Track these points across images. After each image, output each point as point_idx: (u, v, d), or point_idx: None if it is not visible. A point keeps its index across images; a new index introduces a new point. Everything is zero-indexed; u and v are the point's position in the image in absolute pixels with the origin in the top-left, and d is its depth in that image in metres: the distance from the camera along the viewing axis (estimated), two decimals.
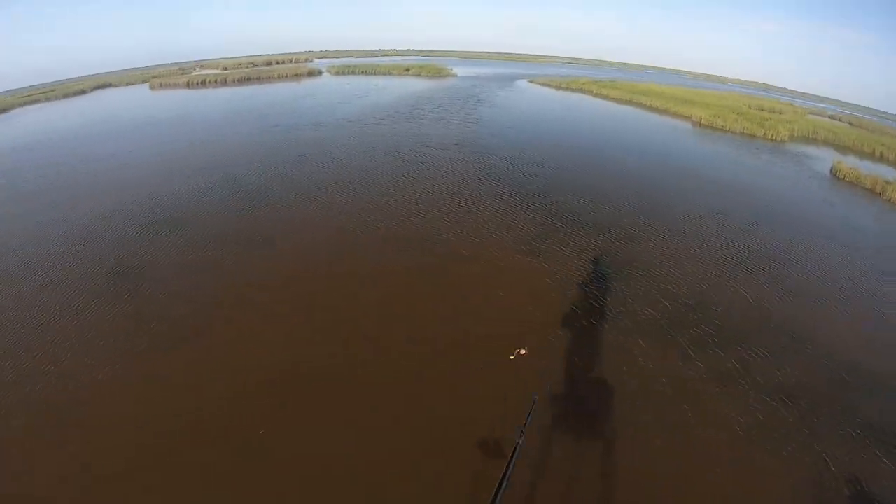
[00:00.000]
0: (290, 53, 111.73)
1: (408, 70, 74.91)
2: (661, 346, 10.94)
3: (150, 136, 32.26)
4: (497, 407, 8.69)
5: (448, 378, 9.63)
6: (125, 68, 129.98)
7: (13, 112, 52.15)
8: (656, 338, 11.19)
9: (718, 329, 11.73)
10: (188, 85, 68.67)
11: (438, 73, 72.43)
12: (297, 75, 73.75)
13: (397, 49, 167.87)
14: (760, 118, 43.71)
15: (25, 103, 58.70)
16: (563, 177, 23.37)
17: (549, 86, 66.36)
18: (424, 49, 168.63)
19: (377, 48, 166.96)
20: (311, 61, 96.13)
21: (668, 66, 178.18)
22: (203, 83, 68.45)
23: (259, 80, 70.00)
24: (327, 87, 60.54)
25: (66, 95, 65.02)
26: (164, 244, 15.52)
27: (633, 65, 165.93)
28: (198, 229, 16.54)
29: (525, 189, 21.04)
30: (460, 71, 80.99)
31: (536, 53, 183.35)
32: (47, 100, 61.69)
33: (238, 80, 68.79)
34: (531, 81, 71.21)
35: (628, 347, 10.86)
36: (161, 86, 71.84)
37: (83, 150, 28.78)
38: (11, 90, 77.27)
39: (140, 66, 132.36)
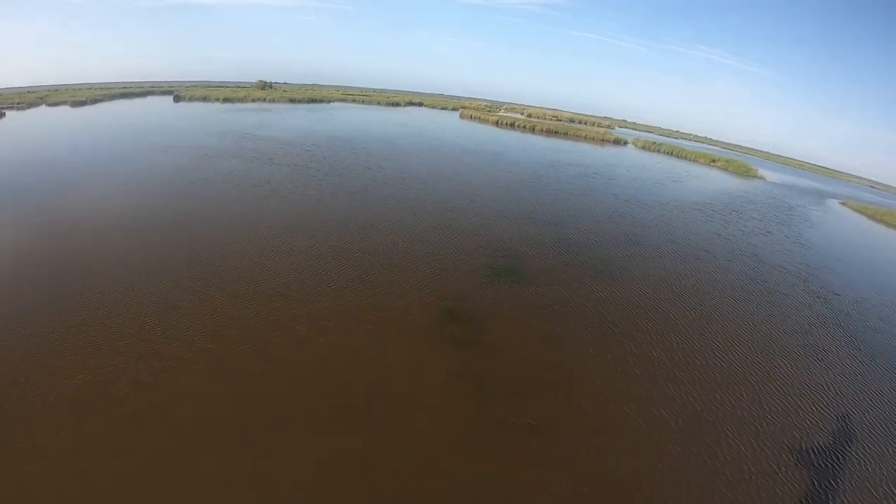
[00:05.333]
0: (589, 115, 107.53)
1: (714, 161, 60.53)
2: None
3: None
4: None
5: None
6: (434, 92, 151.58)
7: None
8: None
9: None
10: (497, 123, 68.89)
11: (746, 172, 56.85)
12: (602, 141, 66.14)
13: (698, 135, 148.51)
14: None
15: None
16: None
17: None
18: (728, 142, 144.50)
19: (677, 129, 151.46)
20: (613, 128, 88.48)
21: None
22: (512, 125, 67.47)
23: (564, 135, 64.84)
24: (636, 160, 50.77)
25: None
26: None
27: None
28: None
29: None
30: (770, 175, 61.72)
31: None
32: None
33: (545, 131, 64.99)
34: None
35: None
36: (471, 117, 74.93)
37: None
38: None
39: (450, 94, 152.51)
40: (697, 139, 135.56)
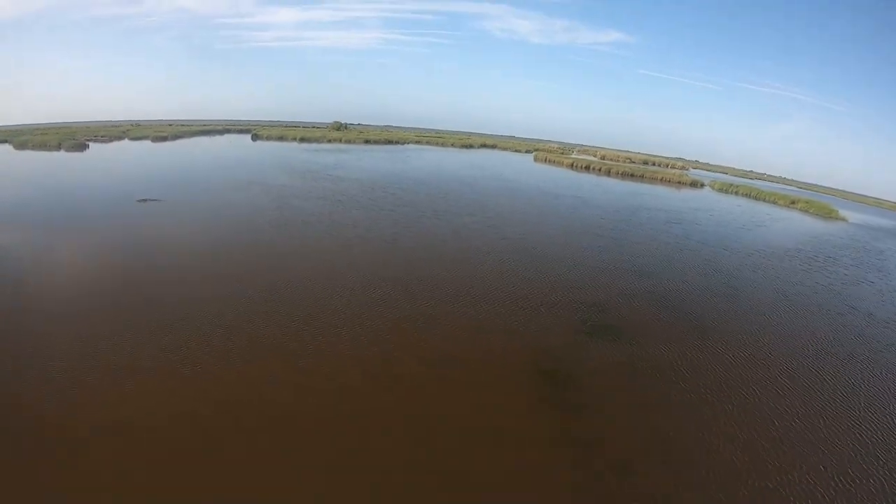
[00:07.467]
0: (662, 156, 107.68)
1: (794, 202, 59.17)
2: None
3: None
4: None
5: None
6: (506, 134, 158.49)
7: None
8: None
9: None
10: (572, 166, 72.10)
11: (828, 213, 54.07)
12: (678, 183, 66.76)
13: (772, 174, 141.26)
14: None
15: None
16: None
17: None
18: (803, 181, 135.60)
19: (751, 169, 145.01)
20: (687, 170, 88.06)
21: None
22: (587, 168, 70.38)
23: (640, 178, 66.35)
24: (716, 203, 51.02)
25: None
26: None
27: None
28: None
29: None
30: (851, 215, 57.62)
31: None
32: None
33: (620, 174, 67.09)
34: None
35: None
36: (545, 160, 78.80)
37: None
38: None
39: (521, 136, 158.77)
40: (772, 179, 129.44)
